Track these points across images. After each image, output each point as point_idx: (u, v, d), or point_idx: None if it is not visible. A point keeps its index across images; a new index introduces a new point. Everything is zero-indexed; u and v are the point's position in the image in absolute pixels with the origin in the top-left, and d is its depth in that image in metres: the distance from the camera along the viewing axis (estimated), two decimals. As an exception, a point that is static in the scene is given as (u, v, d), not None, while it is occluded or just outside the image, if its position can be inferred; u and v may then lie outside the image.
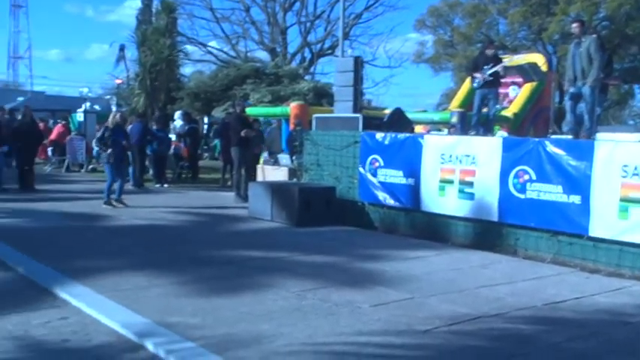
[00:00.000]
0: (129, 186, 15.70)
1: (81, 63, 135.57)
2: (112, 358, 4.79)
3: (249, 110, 22.60)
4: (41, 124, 22.28)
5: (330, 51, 41.15)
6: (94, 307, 5.88)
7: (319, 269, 7.70)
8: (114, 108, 48.17)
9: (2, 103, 36.17)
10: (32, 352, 4.89)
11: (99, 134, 13.71)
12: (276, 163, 16.25)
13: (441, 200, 10.11)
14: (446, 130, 16.81)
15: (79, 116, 37.78)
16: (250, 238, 10.01)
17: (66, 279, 6.89)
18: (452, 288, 6.90)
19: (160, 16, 27.48)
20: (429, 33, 43.46)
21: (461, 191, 9.80)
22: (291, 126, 18.71)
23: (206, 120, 36.08)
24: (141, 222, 11.30)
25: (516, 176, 9.08)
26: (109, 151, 13.06)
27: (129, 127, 16.81)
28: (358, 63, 12.83)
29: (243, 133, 14.20)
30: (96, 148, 23.70)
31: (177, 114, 23.53)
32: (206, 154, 28.92)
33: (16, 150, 16.10)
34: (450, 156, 9.98)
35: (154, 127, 18.66)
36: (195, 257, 8.29)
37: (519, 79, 20.52)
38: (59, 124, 25.22)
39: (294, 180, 14.02)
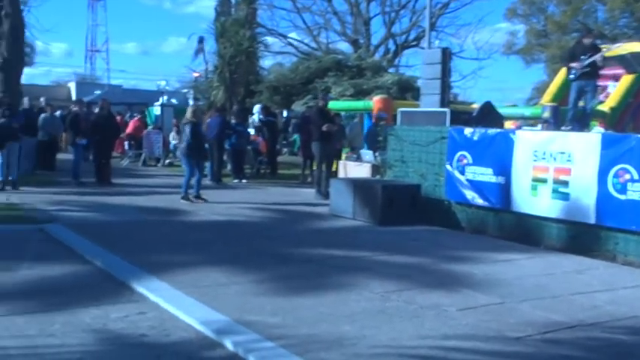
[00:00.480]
0: (206, 181, 15.98)
1: (158, 56, 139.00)
2: (190, 355, 4.87)
3: (330, 104, 22.70)
4: (118, 118, 22.92)
5: (415, 42, 40.89)
6: (171, 302, 6.00)
7: (403, 270, 7.64)
8: (191, 102, 49.12)
9: (80, 96, 37.59)
10: (111, 346, 5.02)
11: (188, 132, 13.90)
12: (358, 159, 16.23)
13: (533, 200, 9.87)
14: (539, 126, 16.42)
15: (156, 110, 38.66)
16: (331, 236, 10.03)
17: (143, 273, 7.06)
18: (545, 294, 6.73)
19: (239, 7, 27.91)
20: (520, 22, 42.66)
21: (555, 191, 9.54)
22: (374, 120, 18.68)
23: (285, 114, 36.43)
24: (219, 218, 11.49)
25: (616, 175, 8.77)
26: (187, 145, 13.30)
27: (207, 121, 17.12)
28: (446, 55, 12.68)
29: (324, 128, 14.23)
30: (173, 142, 24.38)
31: (257, 108, 23.84)
32: (285, 149, 29.16)
33: (94, 143, 16.63)
34: (544, 153, 9.73)
35: (233, 121, 18.92)
36: (274, 255, 8.36)
37: (620, 71, 19.81)
38: (135, 118, 25.95)
39: (377, 177, 13.98)
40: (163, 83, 36.02)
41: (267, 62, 38.55)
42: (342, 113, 20.59)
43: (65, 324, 5.43)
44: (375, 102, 20.75)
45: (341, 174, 15.88)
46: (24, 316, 5.58)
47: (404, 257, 8.44)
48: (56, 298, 6.20)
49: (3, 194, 13.51)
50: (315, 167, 15.04)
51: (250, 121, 22.98)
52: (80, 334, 5.22)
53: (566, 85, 14.69)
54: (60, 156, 20.48)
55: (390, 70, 35.00)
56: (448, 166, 11.29)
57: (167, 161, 23.28)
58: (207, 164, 16.86)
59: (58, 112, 21.59)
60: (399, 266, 7.88)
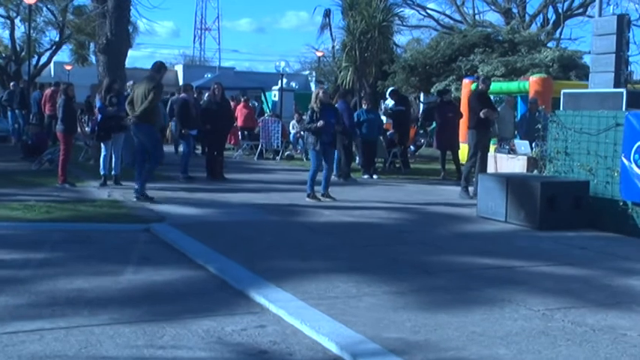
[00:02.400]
0: (332, 176, 16.11)
1: (275, 34, 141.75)
2: (317, 377, 4.91)
3: (473, 86, 22.39)
4: (232, 104, 23.38)
5: (580, 10, 39.64)
6: (295, 315, 6.07)
7: (568, 284, 7.45)
8: (313, 85, 49.67)
9: (188, 80, 38.72)
10: (227, 364, 5.14)
11: (307, 117, 14.07)
12: (511, 151, 15.93)
13: None
14: None
15: (274, 95, 39.28)
16: (479, 242, 9.90)
17: (262, 281, 7.19)
18: None
19: (371, -26, 27.91)
20: None
21: None
22: (529, 105, 18.28)
23: (422, 98, 36.27)
24: (348, 219, 11.58)
25: None
26: (312, 134, 13.43)
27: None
28: (623, 23, 12.21)
29: (482, 114, 14.04)
30: (293, 132, 24.75)
31: (388, 91, 23.85)
32: (423, 140, 29.04)
33: (205, 134, 17.07)
34: None
35: (364, 107, 19.00)
36: (413, 263, 8.33)
37: None
38: (242, 103, 25.51)
39: (535, 172, 13.68)
40: (282, 64, 36.73)
41: (402, 38, 38.60)
42: (492, 97, 20.26)
43: (175, 336, 5.59)
44: (531, 83, 20.31)
45: (491, 168, 15.64)
46: (130, 326, 5.79)
47: (568, 269, 8.24)
48: (165, 306, 6.40)
49: (104, 190, 14.12)
50: (466, 160, 14.79)
51: (382, 106, 23.04)
52: (192, 347, 5.36)
53: None
54: (166, 148, 21.24)
55: (550, 44, 34.15)
56: (624, 160, 10.87)
57: (287, 154, 23.67)
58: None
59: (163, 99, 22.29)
60: (562, 279, 7.70)
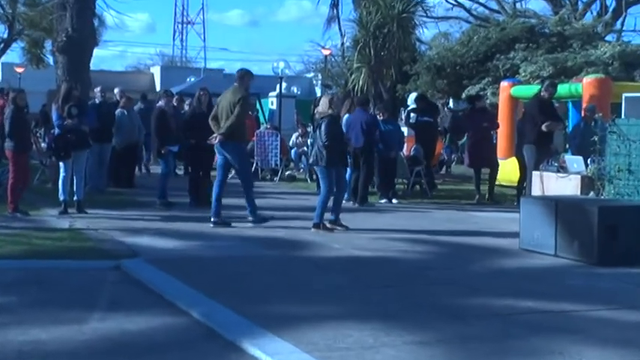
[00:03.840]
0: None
1: (271, 28, 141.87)
2: None
3: (515, 90, 22.48)
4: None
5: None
6: (298, 371, 6.09)
7: (633, 332, 7.45)
8: (318, 90, 49.73)
9: (167, 85, 38.78)
10: None
11: (324, 130, 13.93)
12: (561, 168, 15.91)
13: None
14: None
15: (271, 102, 39.27)
16: (522, 281, 9.91)
17: (258, 329, 7.20)
18: None
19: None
20: None
21: None
22: (582, 113, 18.29)
23: (451, 104, 36.31)
24: (362, 253, 11.60)
25: None
26: (325, 149, 13.41)
27: (344, 118, 17.13)
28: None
29: (545, 127, 14.09)
30: (295, 148, 24.77)
31: (412, 97, 23.85)
32: (454, 156, 29.06)
33: (188, 150, 17.12)
34: None
35: (380, 117, 18.99)
36: (441, 306, 8.33)
37: None
38: None
39: (591, 194, 13.68)
40: (281, 66, 36.81)
41: (427, 33, 38.68)
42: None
43: (153, 398, 5.61)
44: (585, 85, 20.31)
45: (536, 189, 15.64)
46: (97, 385, 5.81)
47: (633, 314, 8.22)
48: (139, 361, 6.42)
49: (65, 219, 14.17)
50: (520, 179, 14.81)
51: (402, 116, 23.08)
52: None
53: None
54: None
55: (609, 37, 34.26)
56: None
57: (287, 173, 23.68)
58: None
59: (136, 108, 22.28)
60: (626, 327, 7.69)
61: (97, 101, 18.99)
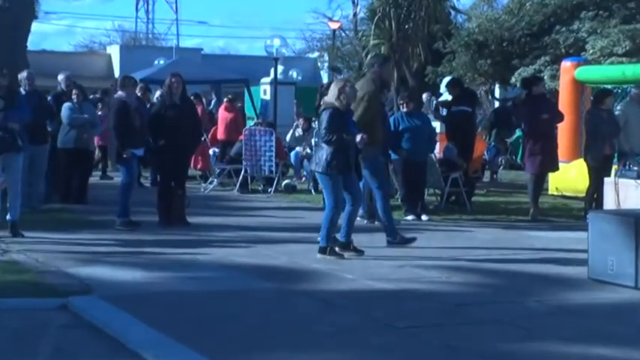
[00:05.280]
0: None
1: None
2: None
3: (581, 72, 22.42)
4: (198, 108, 23.35)
5: None
6: None
7: None
8: (325, 76, 49.66)
9: (128, 69, 38.74)
10: None
11: (324, 123, 13.89)
12: (641, 175, 15.89)
13: None
14: None
15: (263, 91, 39.30)
16: (592, 321, 9.91)
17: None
18: None
19: None
20: None
21: None
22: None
23: (497, 93, 36.24)
24: (382, 285, 11.59)
25: None
26: (330, 151, 13.39)
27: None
28: None
29: None
30: (296, 149, 24.75)
31: (445, 82, 23.86)
32: (501, 159, 29.02)
33: (157, 154, 17.12)
34: None
35: (403, 109, 18.95)
36: (482, 353, 8.34)
37: None
38: (224, 104, 26.48)
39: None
40: (276, 43, 36.70)
41: (465, 0, 38.65)
42: (609, 88, 20.30)
43: None
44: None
45: (609, 202, 15.61)
46: None
47: None
48: None
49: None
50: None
51: (431, 106, 23.04)
52: None
53: None
54: (94, 177, 21.30)
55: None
56: None
57: (285, 182, 23.65)
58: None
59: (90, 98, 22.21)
60: None
61: (22, 91, 18.55)
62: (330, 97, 13.69)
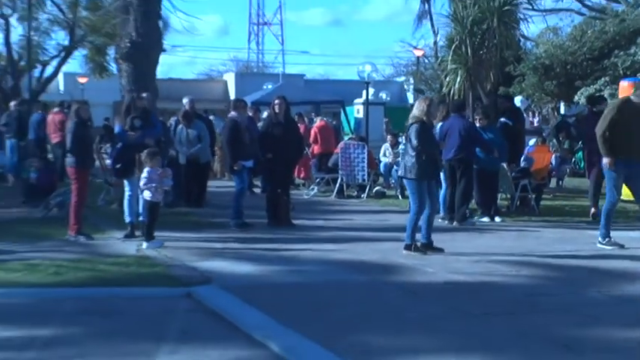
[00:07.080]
0: (438, 219, 16.06)
1: (357, 28, 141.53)
2: None
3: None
4: (301, 126, 23.42)
5: None
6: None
7: None
8: (410, 96, 49.52)
9: (242, 93, 39.04)
10: None
11: (414, 134, 13.69)
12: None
13: None
14: None
15: (357, 110, 39.30)
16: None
17: (347, 365, 7.20)
18: None
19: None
20: None
21: None
22: None
23: (562, 109, 35.89)
24: (460, 278, 11.52)
25: None
26: (416, 159, 13.32)
27: (437, 126, 16.98)
28: None
29: None
30: (384, 161, 24.71)
31: (518, 101, 23.62)
32: (566, 167, 28.73)
33: (265, 165, 17.14)
34: None
35: (477, 124, 18.80)
36: (552, 337, 8.24)
37: None
38: (319, 122, 26.44)
39: None
40: (368, 69, 36.70)
41: (533, 28, 38.27)
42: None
43: None
44: None
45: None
46: None
47: None
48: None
49: (132, 242, 14.31)
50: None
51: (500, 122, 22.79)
52: None
53: None
54: (212, 185, 21.42)
55: None
56: None
57: (376, 189, 23.62)
58: (441, 192, 16.87)
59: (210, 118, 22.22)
60: None
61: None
62: (419, 111, 13.65)
